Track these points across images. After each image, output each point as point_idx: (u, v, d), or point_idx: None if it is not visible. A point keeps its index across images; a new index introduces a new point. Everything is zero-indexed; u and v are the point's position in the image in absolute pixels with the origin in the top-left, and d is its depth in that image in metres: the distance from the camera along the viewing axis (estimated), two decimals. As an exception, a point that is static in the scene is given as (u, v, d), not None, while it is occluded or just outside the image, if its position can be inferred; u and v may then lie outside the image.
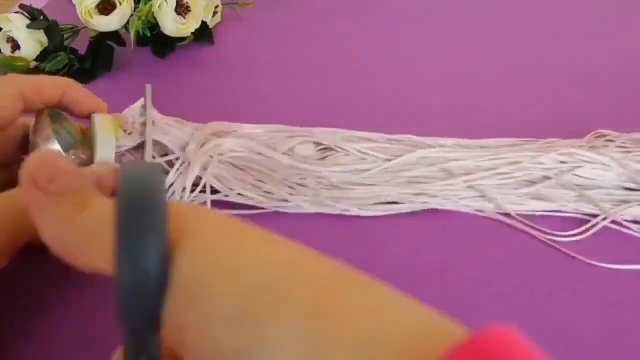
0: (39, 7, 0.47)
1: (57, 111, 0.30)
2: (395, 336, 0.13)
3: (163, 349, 0.16)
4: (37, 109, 0.29)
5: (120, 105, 0.34)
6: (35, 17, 0.46)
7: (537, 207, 0.34)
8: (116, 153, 0.31)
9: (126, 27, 0.47)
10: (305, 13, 0.59)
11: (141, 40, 0.48)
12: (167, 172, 0.33)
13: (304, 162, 0.35)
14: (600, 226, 0.33)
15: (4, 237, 0.24)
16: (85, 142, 0.30)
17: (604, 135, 0.39)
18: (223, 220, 0.17)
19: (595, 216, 0.34)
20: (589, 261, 0.31)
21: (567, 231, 0.33)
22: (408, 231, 0.33)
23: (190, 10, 0.48)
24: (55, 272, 0.29)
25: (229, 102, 0.44)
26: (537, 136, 0.39)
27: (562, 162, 0.36)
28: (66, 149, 0.28)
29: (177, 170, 0.33)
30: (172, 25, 0.47)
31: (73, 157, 0.29)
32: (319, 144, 0.37)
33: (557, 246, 0.32)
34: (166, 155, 0.34)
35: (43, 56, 0.45)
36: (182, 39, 0.50)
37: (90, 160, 0.30)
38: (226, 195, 0.33)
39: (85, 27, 0.47)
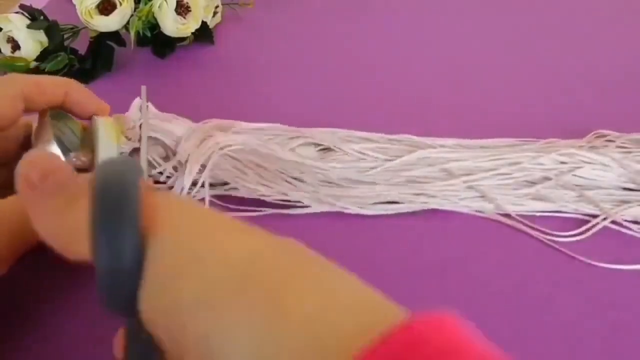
0: (39, 7, 0.47)
1: (60, 111, 0.30)
2: (339, 316, 0.14)
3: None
4: (39, 108, 0.29)
5: (120, 105, 0.34)
6: (35, 17, 0.46)
7: (537, 207, 0.34)
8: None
9: (126, 27, 0.47)
10: (305, 13, 0.59)
11: (141, 40, 0.49)
12: (171, 173, 0.33)
13: (305, 158, 0.35)
14: (600, 226, 0.33)
15: (3, 242, 0.24)
16: (87, 143, 0.30)
17: (604, 135, 0.39)
18: (195, 211, 0.18)
19: (595, 216, 0.34)
20: (588, 261, 0.31)
21: (567, 231, 0.33)
22: (408, 231, 0.33)
23: (190, 10, 0.48)
24: (55, 272, 0.30)
25: (229, 102, 0.44)
26: (537, 136, 0.39)
27: (562, 163, 0.36)
28: (68, 149, 0.28)
29: (176, 166, 0.33)
30: (172, 25, 0.47)
31: (74, 159, 0.29)
32: (318, 145, 0.37)
33: (557, 246, 0.32)
34: (167, 156, 0.34)
35: (43, 56, 0.45)
36: (182, 39, 0.50)
37: (91, 163, 0.30)
38: (227, 189, 0.33)
39: (85, 27, 0.47)
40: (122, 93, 0.35)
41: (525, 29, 0.56)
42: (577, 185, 0.35)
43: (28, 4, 0.47)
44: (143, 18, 0.47)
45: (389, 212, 0.33)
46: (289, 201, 0.33)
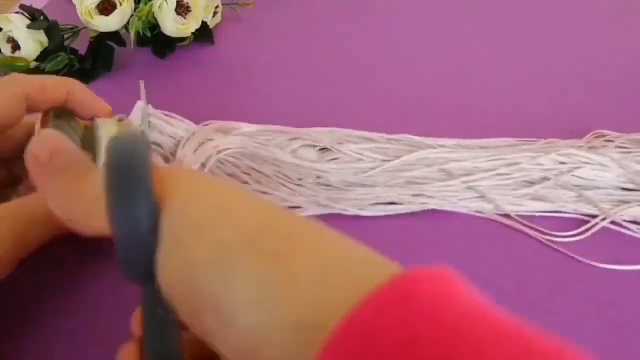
0: (39, 7, 0.47)
1: (62, 111, 0.30)
2: (339, 276, 0.15)
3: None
4: (41, 109, 0.29)
5: (120, 105, 0.34)
6: (35, 17, 0.46)
7: (536, 207, 0.34)
8: None
9: (126, 27, 0.47)
10: (305, 13, 0.59)
11: (141, 40, 0.49)
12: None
13: (303, 160, 0.35)
14: (599, 226, 0.33)
15: (6, 246, 0.24)
16: (89, 143, 0.30)
17: (603, 135, 0.39)
18: (206, 180, 0.19)
19: (594, 216, 0.34)
20: (588, 261, 0.31)
21: (566, 231, 0.33)
22: (407, 232, 0.33)
23: (190, 10, 0.48)
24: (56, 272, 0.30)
25: (229, 103, 0.44)
26: (536, 136, 0.39)
27: (561, 163, 0.36)
28: None
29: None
30: (172, 25, 0.47)
31: None
32: (318, 145, 0.37)
33: (556, 246, 0.32)
34: (167, 158, 0.34)
35: (43, 56, 0.45)
36: (182, 39, 0.50)
37: (91, 162, 0.30)
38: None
39: (85, 27, 0.47)
40: (122, 93, 0.35)
41: (525, 29, 0.56)
42: (576, 186, 0.35)
43: (28, 4, 0.47)
44: (143, 18, 0.47)
45: (388, 213, 0.33)
46: (288, 206, 0.33)
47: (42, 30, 0.45)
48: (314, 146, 0.37)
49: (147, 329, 0.18)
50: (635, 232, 0.33)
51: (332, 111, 0.43)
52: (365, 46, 0.53)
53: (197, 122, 0.37)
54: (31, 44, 0.45)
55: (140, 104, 0.34)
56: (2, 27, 0.44)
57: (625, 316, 0.28)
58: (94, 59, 0.48)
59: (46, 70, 0.45)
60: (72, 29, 0.48)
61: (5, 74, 0.44)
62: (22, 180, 0.32)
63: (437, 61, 0.50)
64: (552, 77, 0.48)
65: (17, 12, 0.46)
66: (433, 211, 0.34)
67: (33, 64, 0.45)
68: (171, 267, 0.16)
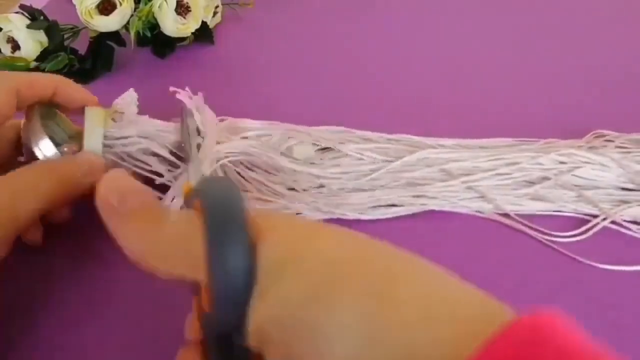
0: (39, 7, 0.47)
1: (47, 106, 0.30)
2: (456, 308, 0.15)
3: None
4: (29, 103, 0.30)
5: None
6: (35, 17, 0.46)
7: (536, 207, 0.34)
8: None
9: (126, 27, 0.47)
10: (305, 13, 0.59)
11: (141, 40, 0.49)
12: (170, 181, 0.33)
13: (303, 165, 0.35)
14: (599, 226, 0.33)
15: (4, 216, 0.24)
16: (77, 135, 0.31)
17: (603, 135, 0.39)
18: (293, 219, 0.19)
19: (594, 216, 0.34)
20: (588, 261, 0.31)
21: (566, 231, 0.33)
22: (407, 233, 0.33)
23: (190, 10, 0.48)
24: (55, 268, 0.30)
25: (229, 102, 0.44)
26: (536, 136, 0.39)
27: (561, 163, 0.36)
28: (57, 142, 0.29)
29: (177, 175, 0.33)
30: (172, 25, 0.47)
31: (66, 150, 0.29)
32: (317, 145, 0.37)
33: (556, 246, 0.32)
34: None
35: (43, 56, 0.45)
36: (182, 39, 0.50)
37: (79, 150, 0.30)
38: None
39: (85, 27, 0.47)
40: (122, 93, 0.35)
41: (525, 29, 0.56)
42: (576, 186, 0.35)
43: (28, 4, 0.47)
44: (143, 18, 0.47)
45: (389, 216, 0.33)
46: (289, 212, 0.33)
47: (42, 30, 0.45)
48: (312, 144, 0.37)
49: None
50: (635, 232, 0.33)
51: (332, 111, 0.43)
52: (365, 46, 0.53)
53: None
54: (31, 44, 0.45)
55: (129, 92, 0.34)
56: (2, 27, 0.44)
57: (625, 316, 0.28)
58: (94, 59, 0.48)
59: (46, 70, 0.45)
60: (72, 29, 0.48)
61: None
62: None
63: (437, 61, 0.50)
64: (552, 77, 0.48)
65: (17, 12, 0.46)
66: (433, 212, 0.34)
67: (33, 64, 0.45)
68: (266, 306, 0.16)
